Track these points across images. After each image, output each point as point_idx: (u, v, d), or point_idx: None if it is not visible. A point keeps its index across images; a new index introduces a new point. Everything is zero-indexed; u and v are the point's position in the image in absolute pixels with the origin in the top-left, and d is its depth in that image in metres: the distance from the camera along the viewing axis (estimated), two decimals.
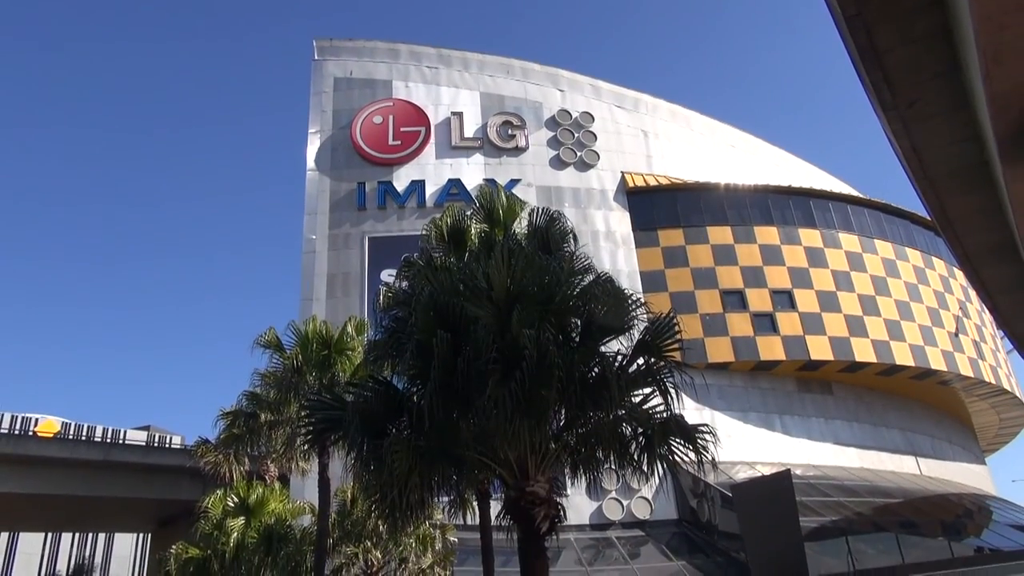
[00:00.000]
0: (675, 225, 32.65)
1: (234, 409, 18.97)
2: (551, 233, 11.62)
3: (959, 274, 34.78)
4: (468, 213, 13.69)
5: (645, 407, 10.27)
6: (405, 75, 34.75)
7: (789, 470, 21.06)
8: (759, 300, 30.92)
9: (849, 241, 33.78)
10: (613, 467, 10.48)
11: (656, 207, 33.20)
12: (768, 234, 32.63)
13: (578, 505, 24.47)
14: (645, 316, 10.41)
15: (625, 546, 24.94)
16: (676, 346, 10.22)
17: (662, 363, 10.18)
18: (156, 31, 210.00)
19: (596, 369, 10.14)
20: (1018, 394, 37.74)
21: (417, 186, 31.83)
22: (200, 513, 20.26)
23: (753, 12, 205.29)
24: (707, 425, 10.38)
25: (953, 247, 9.35)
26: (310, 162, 32.30)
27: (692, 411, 24.95)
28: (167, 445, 56.61)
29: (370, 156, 32.42)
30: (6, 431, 53.99)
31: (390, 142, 32.82)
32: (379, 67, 34.86)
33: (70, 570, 66.66)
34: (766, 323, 30.47)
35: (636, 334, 10.32)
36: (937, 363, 32.22)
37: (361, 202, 31.47)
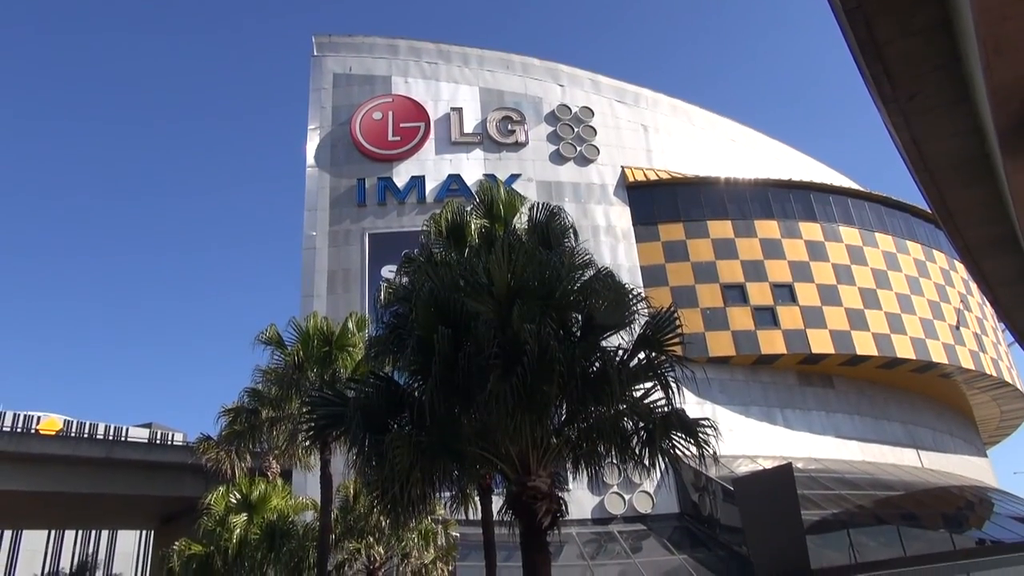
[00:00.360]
0: (675, 219, 32.60)
1: (236, 406, 18.99)
2: (551, 228, 11.61)
3: (960, 267, 34.74)
4: (468, 208, 13.70)
5: (646, 401, 10.27)
6: (404, 71, 34.69)
7: (790, 463, 21.10)
8: (760, 294, 30.91)
9: (850, 234, 33.73)
10: (614, 461, 10.48)
11: (656, 201, 33.16)
12: (768, 228, 32.61)
13: (580, 500, 24.50)
14: (646, 310, 10.40)
15: (627, 540, 24.98)
16: (677, 340, 10.22)
17: (663, 357, 10.18)
18: (156, 26, 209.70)
19: (597, 364, 10.13)
20: (1019, 386, 37.75)
21: (417, 182, 31.80)
22: (203, 510, 20.31)
23: (753, 4, 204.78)
24: (708, 419, 10.38)
25: (954, 240, 9.33)
26: (310, 158, 32.28)
27: (693, 405, 24.88)
28: (169, 442, 56.76)
29: (370, 152, 32.39)
30: (8, 429, 54.12)
31: (390, 138, 32.78)
32: (378, 63, 34.80)
33: (73, 567, 66.83)
34: (767, 317, 30.47)
35: (637, 329, 10.32)
36: (938, 356, 32.21)
37: (361, 198, 31.47)
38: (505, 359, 9.07)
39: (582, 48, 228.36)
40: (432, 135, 33.02)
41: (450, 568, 18.93)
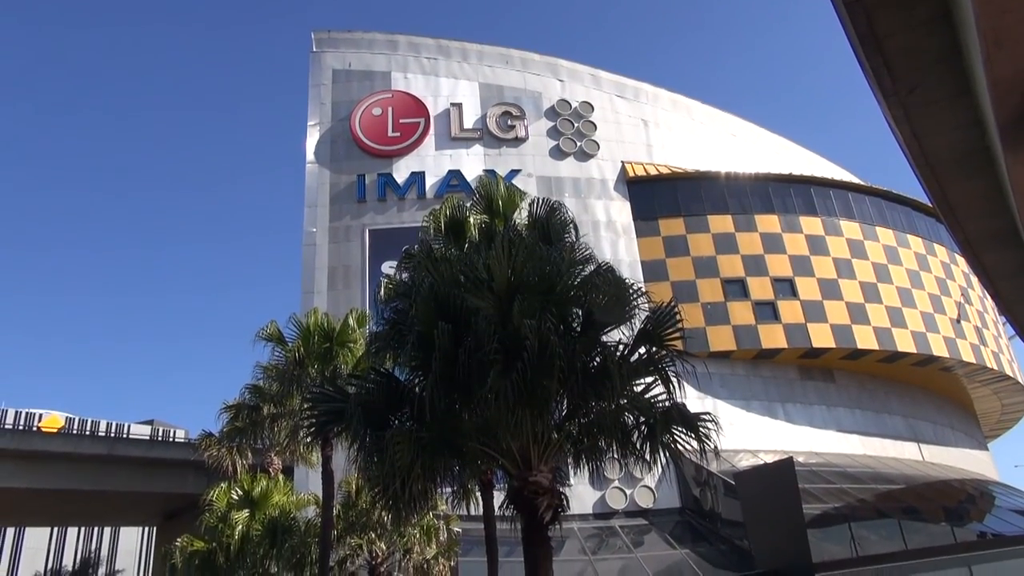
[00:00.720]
0: (676, 214, 32.57)
1: (237, 402, 19.04)
2: (551, 223, 11.60)
3: (961, 260, 34.73)
4: (468, 204, 13.69)
5: (647, 396, 10.26)
6: (404, 66, 34.60)
7: (791, 457, 21.07)
8: (760, 288, 30.89)
9: (850, 228, 33.71)
10: (616, 456, 10.47)
11: (657, 196, 33.12)
12: (769, 222, 32.56)
13: (581, 495, 24.51)
14: (646, 305, 10.39)
15: (628, 535, 25.02)
16: (677, 335, 10.21)
17: (664, 352, 10.18)
18: (156, 22, 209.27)
19: (598, 359, 10.13)
20: (1020, 380, 37.74)
21: (417, 178, 31.76)
22: (205, 506, 20.37)
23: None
24: (709, 413, 10.39)
25: (954, 233, 9.32)
26: (309, 155, 32.23)
27: (694, 400, 24.99)
28: (171, 439, 56.84)
29: (370, 148, 32.34)
30: (11, 427, 54.33)
31: (389, 134, 32.72)
32: (377, 59, 34.72)
33: (76, 564, 67.02)
34: (768, 311, 30.46)
35: (637, 323, 10.31)
36: (939, 349, 32.21)
37: (361, 194, 31.43)
38: (505, 354, 9.07)
39: (581, 42, 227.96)
40: (432, 131, 32.96)
41: (452, 563, 18.95)
